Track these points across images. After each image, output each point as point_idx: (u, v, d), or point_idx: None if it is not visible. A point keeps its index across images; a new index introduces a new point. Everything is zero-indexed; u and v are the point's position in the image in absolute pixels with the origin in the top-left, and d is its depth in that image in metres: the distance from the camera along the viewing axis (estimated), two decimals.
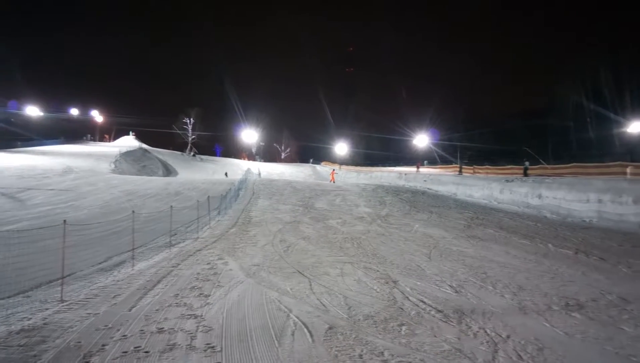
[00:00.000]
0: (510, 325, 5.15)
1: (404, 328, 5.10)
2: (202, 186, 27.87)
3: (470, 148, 51.85)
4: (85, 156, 42.46)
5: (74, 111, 76.19)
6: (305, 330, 5.06)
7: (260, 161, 74.93)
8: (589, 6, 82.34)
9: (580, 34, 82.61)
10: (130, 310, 5.97)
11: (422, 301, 6.18)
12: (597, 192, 15.25)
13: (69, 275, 8.00)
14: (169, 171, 49.26)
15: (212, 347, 4.60)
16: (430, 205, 20.32)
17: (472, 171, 35.15)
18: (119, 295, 6.85)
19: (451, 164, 42.41)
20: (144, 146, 63.01)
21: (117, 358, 4.36)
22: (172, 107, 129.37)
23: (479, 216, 16.49)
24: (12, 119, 63.55)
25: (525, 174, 25.95)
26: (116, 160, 42.24)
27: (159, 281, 7.69)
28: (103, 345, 4.67)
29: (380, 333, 4.94)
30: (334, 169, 43.74)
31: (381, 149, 70.32)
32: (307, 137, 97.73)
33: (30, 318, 5.67)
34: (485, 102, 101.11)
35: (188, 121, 72.70)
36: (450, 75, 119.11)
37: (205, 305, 6.16)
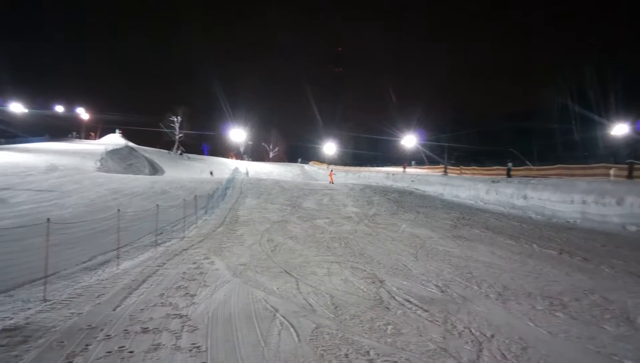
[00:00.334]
0: (494, 324, 5.19)
1: (390, 327, 5.11)
2: (189, 185, 27.69)
3: (458, 148, 52.23)
4: (71, 154, 41.85)
5: (59, 108, 74.84)
6: (292, 329, 5.05)
7: (248, 160, 74.59)
8: (575, 9, 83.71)
9: (567, 36, 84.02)
10: (114, 310, 5.90)
11: (408, 301, 6.21)
12: (581, 193, 15.49)
13: (52, 274, 7.87)
14: (155, 169, 48.84)
15: (198, 347, 4.56)
16: (418, 205, 20.45)
17: (459, 171, 35.39)
18: (103, 294, 6.76)
19: (438, 164, 42.63)
20: (131, 144, 62.28)
21: (100, 358, 4.30)
22: (159, 106, 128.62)
23: (465, 216, 16.63)
24: None
25: (509, 175, 26.20)
26: (102, 158, 41.70)
27: (144, 281, 7.61)
28: (86, 345, 4.61)
29: (366, 333, 4.95)
30: (332, 170, 43.65)
31: (369, 149, 70.62)
32: (295, 136, 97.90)
33: (12, 318, 5.58)
34: (473, 103, 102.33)
35: (175, 119, 71.72)
36: (439, 75, 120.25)
37: (191, 305, 6.11)
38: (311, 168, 66.22)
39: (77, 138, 71.26)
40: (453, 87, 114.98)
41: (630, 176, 19.32)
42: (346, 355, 4.31)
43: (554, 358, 4.23)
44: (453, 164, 39.65)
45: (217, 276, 7.94)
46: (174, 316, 5.60)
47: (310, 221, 15.70)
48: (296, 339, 4.75)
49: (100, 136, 78.44)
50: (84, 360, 4.25)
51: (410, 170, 43.15)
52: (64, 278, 8.15)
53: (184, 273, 8.20)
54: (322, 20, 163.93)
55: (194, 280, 7.65)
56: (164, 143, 72.03)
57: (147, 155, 54.90)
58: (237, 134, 75.89)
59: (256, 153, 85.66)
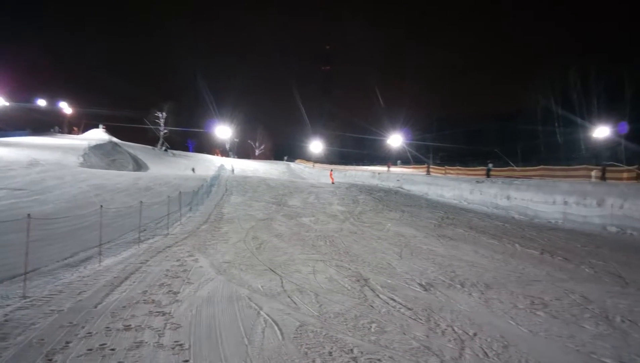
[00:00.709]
0: (477, 323, 5.25)
1: (373, 325, 5.13)
2: (173, 182, 27.41)
3: (443, 148, 52.74)
4: (53, 149, 40.98)
5: (41, 102, 73.01)
6: (276, 327, 5.03)
7: (234, 157, 74.12)
8: (560, 12, 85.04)
9: (551, 39, 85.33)
10: (96, 307, 5.82)
11: (392, 299, 6.24)
12: (563, 194, 15.76)
13: (32, 271, 7.71)
14: (139, 165, 48.18)
15: (181, 345, 4.52)
16: (403, 204, 20.58)
17: (443, 171, 35.70)
18: (85, 291, 6.66)
19: (423, 164, 42.94)
20: (114, 139, 61.23)
21: (81, 355, 4.24)
22: (144, 102, 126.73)
23: (450, 216, 16.78)
24: None
25: (488, 176, 26.48)
26: (85, 153, 40.91)
27: (126, 278, 7.52)
28: (67, 343, 4.54)
29: (350, 331, 4.96)
30: (331, 170, 43.58)
31: (356, 148, 70.95)
32: (282, 134, 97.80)
33: None
34: (459, 103, 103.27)
35: (160, 115, 70.76)
36: (426, 75, 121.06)
37: (174, 302, 6.05)
38: (297, 166, 66.11)
39: (59, 132, 69.68)
40: (440, 87, 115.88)
41: (603, 178, 19.80)
42: (330, 353, 4.32)
43: (535, 357, 4.28)
44: (438, 164, 40.02)
45: (201, 273, 7.88)
46: (157, 313, 5.54)
47: (296, 219, 15.68)
48: (280, 337, 4.74)
49: (84, 131, 76.83)
50: (64, 358, 4.18)
51: (395, 169, 43.36)
52: (45, 275, 7.98)
53: (168, 270, 8.13)
54: (309, 19, 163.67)
55: (178, 277, 7.58)
56: (149, 139, 71.09)
57: (131, 151, 54.12)
58: (223, 131, 75.32)
59: (242, 151, 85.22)
